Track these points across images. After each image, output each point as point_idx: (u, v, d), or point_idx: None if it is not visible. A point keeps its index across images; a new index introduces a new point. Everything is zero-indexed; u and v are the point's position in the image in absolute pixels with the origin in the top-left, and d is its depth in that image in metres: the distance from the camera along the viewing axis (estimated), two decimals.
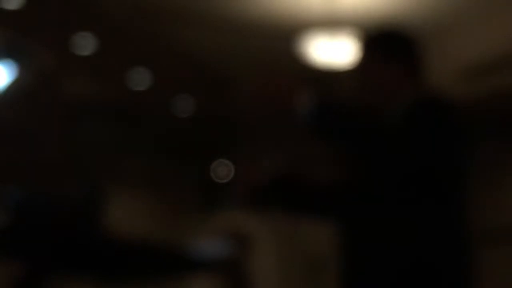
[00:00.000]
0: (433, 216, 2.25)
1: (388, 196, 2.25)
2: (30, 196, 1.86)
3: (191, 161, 12.73)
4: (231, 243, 2.24)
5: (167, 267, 2.29)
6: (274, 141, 11.39)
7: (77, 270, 2.21)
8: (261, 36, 8.69)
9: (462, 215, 2.34)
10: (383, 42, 2.44)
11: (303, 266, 11.89)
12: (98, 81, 10.49)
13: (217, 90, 10.94)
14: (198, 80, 10.37)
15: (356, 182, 2.35)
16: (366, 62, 2.41)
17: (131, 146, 12.30)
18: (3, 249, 2.18)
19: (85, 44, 8.75)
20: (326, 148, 2.31)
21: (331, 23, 7.36)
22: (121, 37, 8.46)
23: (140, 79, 10.09)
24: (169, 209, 13.55)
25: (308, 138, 2.34)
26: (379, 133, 2.19)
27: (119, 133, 12.16)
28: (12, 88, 2.12)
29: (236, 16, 8.25)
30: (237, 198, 2.60)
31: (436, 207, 2.26)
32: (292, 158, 11.83)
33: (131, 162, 12.72)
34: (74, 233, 1.90)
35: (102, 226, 1.88)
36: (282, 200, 2.54)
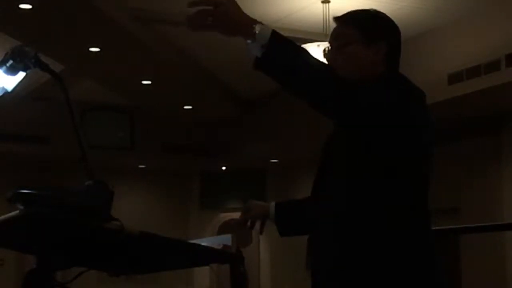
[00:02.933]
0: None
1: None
2: (40, 191, 1.89)
3: (193, 160, 12.76)
4: (232, 238, 2.28)
5: (169, 260, 2.33)
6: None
7: (84, 263, 2.28)
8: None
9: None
10: (364, 23, 2.36)
11: (297, 260, 11.92)
12: (106, 84, 10.51)
13: (218, 93, 10.97)
14: (199, 83, 10.39)
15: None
16: (345, 42, 2.33)
17: (135, 145, 12.31)
18: (15, 241, 2.25)
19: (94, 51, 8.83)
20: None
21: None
22: (124, 43, 8.52)
23: (146, 82, 10.15)
24: (172, 206, 13.57)
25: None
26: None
27: (124, 132, 12.18)
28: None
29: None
30: None
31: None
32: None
33: (136, 160, 12.76)
34: (81, 228, 1.95)
35: (108, 221, 1.92)
36: None
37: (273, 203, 2.65)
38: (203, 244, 2.26)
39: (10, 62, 2.29)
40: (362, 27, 2.37)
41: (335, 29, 2.42)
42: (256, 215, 2.69)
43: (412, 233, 2.20)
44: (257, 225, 2.76)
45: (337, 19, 2.42)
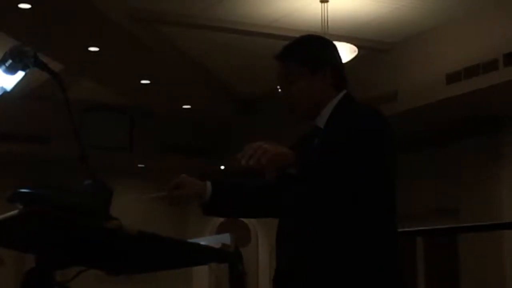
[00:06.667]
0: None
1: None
2: (39, 190, 1.90)
3: (193, 160, 12.76)
4: (231, 237, 2.29)
5: (168, 260, 2.34)
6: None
7: (83, 262, 2.29)
8: (259, 44, 8.76)
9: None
10: (302, 56, 2.45)
11: None
12: (105, 84, 10.51)
13: (217, 92, 10.98)
14: (198, 83, 10.40)
15: None
16: (291, 81, 2.43)
17: (134, 145, 12.31)
18: (14, 240, 2.26)
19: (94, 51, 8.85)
20: None
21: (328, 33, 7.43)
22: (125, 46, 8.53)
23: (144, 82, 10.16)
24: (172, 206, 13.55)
25: None
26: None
27: (123, 132, 12.18)
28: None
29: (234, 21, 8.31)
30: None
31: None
32: None
33: (135, 160, 12.76)
34: (80, 227, 1.96)
35: (107, 220, 1.93)
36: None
37: (209, 183, 2.61)
38: (202, 243, 2.26)
39: (9, 61, 2.29)
40: (301, 60, 2.45)
41: (278, 70, 2.50)
42: (187, 194, 2.63)
43: (372, 236, 2.24)
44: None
45: (277, 58, 2.51)
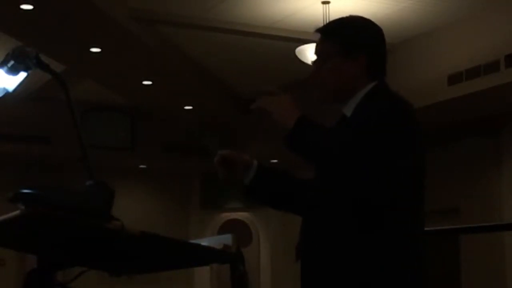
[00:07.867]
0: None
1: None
2: (41, 191, 1.90)
3: (194, 160, 12.77)
4: (232, 237, 2.29)
5: (169, 260, 2.34)
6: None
7: (84, 263, 2.29)
8: (260, 45, 8.77)
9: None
10: (342, 37, 2.39)
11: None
12: (107, 84, 10.52)
13: (218, 93, 10.99)
14: (199, 84, 10.41)
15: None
16: (325, 57, 2.38)
17: (135, 145, 12.32)
18: (16, 241, 2.26)
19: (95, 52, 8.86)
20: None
21: None
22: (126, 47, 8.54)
23: (145, 83, 10.17)
24: (172, 206, 13.58)
25: None
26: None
27: (125, 133, 12.19)
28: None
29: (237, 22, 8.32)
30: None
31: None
32: None
33: (136, 160, 12.77)
34: (82, 228, 1.96)
35: (108, 221, 1.93)
36: None
37: (255, 164, 2.62)
38: (203, 244, 2.26)
39: (12, 62, 2.29)
40: (340, 40, 2.40)
41: (317, 43, 2.47)
42: (239, 163, 2.64)
43: (399, 240, 2.21)
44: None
45: (318, 31, 2.47)
